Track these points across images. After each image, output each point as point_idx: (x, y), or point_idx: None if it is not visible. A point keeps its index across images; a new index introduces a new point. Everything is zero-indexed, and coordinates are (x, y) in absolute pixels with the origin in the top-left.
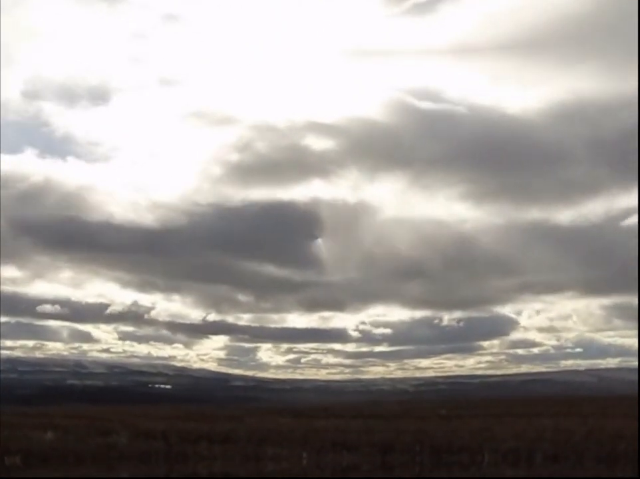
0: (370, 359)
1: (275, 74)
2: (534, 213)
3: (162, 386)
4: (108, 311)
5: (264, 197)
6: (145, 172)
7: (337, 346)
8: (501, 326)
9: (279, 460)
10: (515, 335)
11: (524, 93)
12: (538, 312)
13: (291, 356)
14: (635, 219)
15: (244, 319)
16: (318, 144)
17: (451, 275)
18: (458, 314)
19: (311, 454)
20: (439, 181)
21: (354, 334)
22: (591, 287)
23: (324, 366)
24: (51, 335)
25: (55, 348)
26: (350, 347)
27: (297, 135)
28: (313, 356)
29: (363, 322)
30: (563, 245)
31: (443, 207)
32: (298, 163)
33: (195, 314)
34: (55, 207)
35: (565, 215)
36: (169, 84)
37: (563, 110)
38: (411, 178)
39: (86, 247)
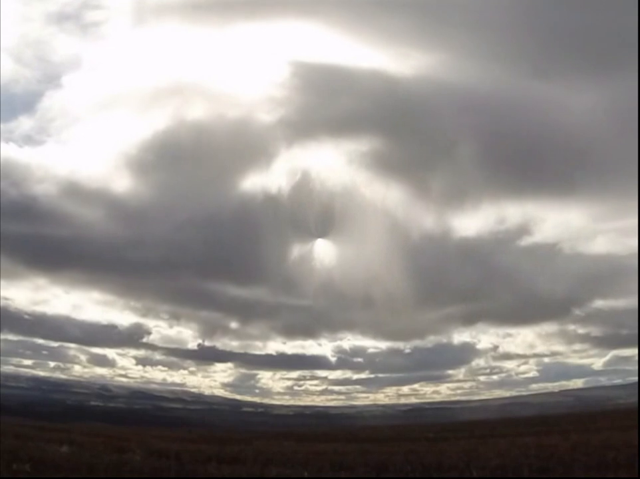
0: (356, 386)
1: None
2: (430, 217)
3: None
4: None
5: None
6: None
7: (323, 372)
8: (460, 355)
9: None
10: (478, 362)
11: (414, 59)
12: (488, 340)
13: (288, 383)
14: (531, 239)
15: (233, 345)
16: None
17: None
18: (410, 344)
19: (312, 473)
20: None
21: (334, 360)
22: (522, 316)
23: (320, 392)
24: (67, 357)
25: (69, 369)
26: (335, 375)
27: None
28: (306, 382)
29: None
30: (468, 265)
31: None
32: (234, 148)
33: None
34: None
35: (462, 224)
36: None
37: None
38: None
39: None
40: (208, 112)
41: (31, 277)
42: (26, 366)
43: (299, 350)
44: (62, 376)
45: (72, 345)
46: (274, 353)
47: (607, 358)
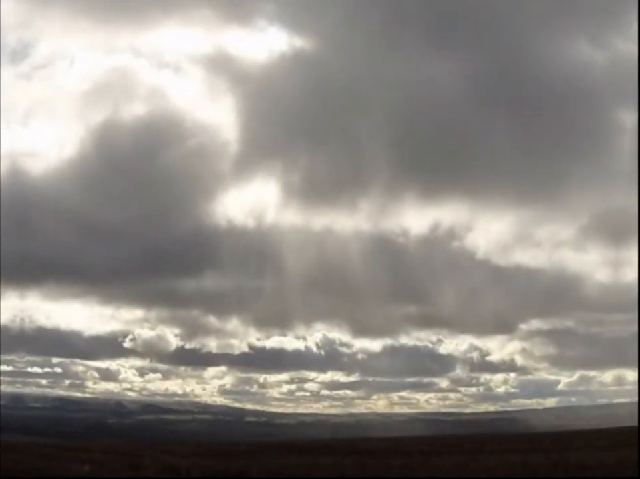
0: (347, 391)
1: None
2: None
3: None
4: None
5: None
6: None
7: (312, 374)
8: (438, 363)
9: None
10: (458, 373)
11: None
12: (458, 349)
13: (283, 388)
14: (462, 246)
15: (215, 345)
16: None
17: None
18: (382, 342)
19: None
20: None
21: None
22: (474, 328)
23: (316, 399)
24: (77, 374)
25: (82, 386)
26: (324, 377)
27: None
28: (299, 386)
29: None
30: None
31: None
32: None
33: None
34: None
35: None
36: None
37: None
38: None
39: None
40: (140, 114)
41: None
42: (44, 386)
43: (279, 345)
44: (79, 394)
45: (77, 360)
46: (256, 351)
47: (573, 378)
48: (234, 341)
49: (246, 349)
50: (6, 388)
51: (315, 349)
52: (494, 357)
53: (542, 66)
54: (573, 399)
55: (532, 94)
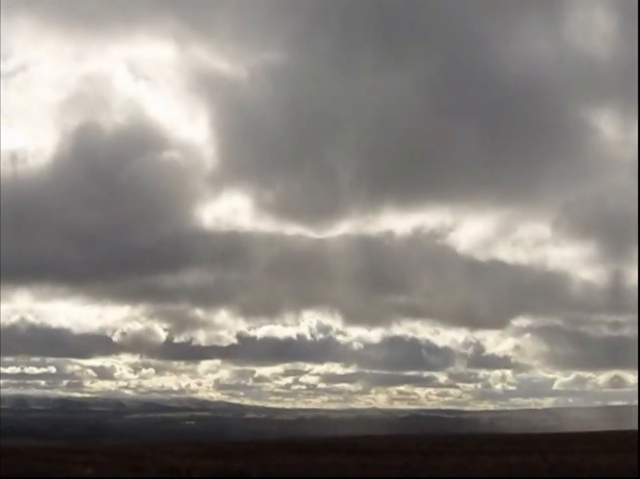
0: (343, 384)
1: None
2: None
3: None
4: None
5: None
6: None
7: (307, 365)
8: (436, 356)
9: None
10: (457, 368)
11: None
12: (454, 341)
13: (280, 381)
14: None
15: (204, 339)
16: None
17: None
18: (377, 332)
19: None
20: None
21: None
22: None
23: (314, 393)
24: (74, 374)
25: (80, 385)
26: (318, 369)
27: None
28: (296, 378)
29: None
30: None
31: None
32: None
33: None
34: None
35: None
36: None
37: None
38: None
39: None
40: (111, 124)
41: None
42: (44, 387)
43: (270, 334)
44: (78, 394)
45: (71, 359)
46: (247, 342)
47: (569, 378)
48: (223, 333)
49: (236, 341)
50: (9, 391)
51: (308, 337)
52: (489, 352)
53: (504, 67)
54: (570, 400)
55: (495, 95)
